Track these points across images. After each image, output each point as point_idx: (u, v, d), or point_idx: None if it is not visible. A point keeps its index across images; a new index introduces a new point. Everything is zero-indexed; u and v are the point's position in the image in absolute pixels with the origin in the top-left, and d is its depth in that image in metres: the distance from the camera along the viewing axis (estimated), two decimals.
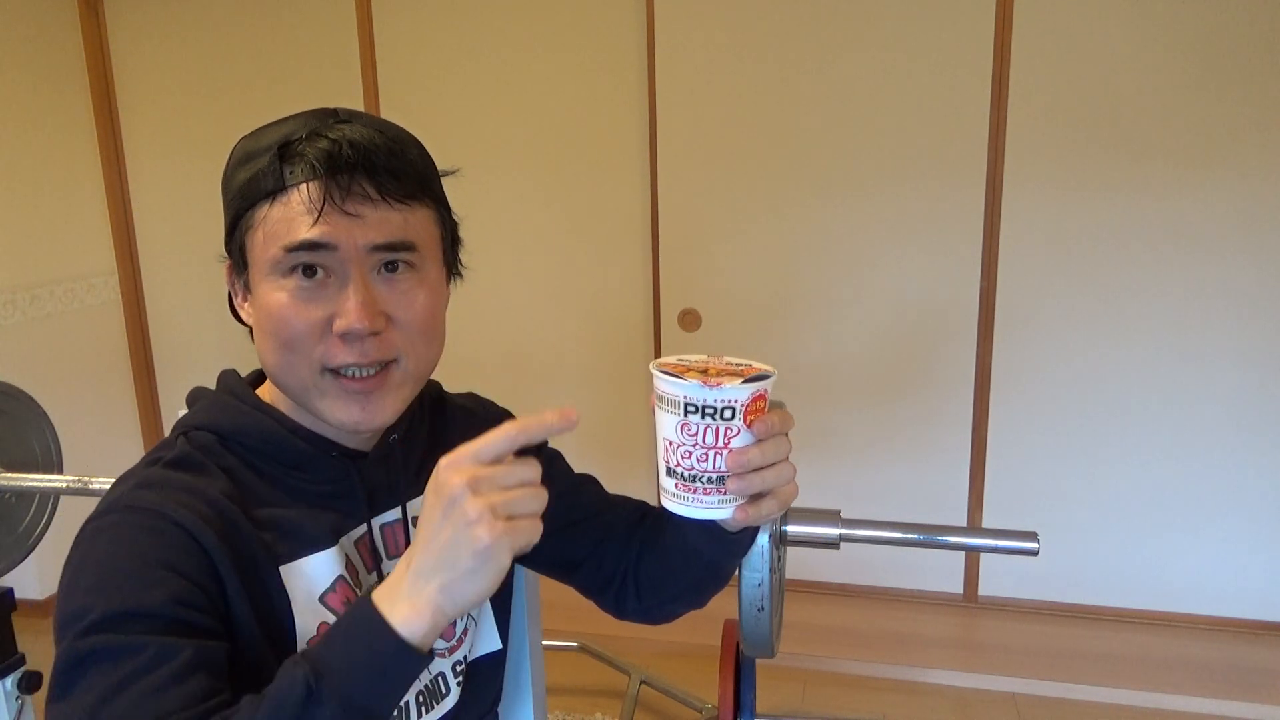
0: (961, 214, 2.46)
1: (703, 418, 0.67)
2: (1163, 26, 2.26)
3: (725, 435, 0.68)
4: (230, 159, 0.77)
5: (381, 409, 0.75)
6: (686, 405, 0.67)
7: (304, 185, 0.71)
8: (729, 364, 0.71)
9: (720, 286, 2.66)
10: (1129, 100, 2.31)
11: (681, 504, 0.71)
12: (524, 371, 2.88)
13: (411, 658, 0.60)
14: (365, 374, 0.74)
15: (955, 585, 2.69)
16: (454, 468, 0.60)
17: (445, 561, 0.59)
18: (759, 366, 0.71)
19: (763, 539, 0.95)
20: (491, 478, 0.59)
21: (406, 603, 0.60)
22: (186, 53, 2.91)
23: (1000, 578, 2.64)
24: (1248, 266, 2.32)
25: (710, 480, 0.69)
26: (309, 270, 0.72)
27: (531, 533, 0.60)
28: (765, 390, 0.68)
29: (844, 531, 1.06)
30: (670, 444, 0.70)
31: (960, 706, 2.29)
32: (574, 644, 2.48)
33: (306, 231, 0.70)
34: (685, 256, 2.67)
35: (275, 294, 0.72)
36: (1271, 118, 2.24)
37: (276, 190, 0.72)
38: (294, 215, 0.71)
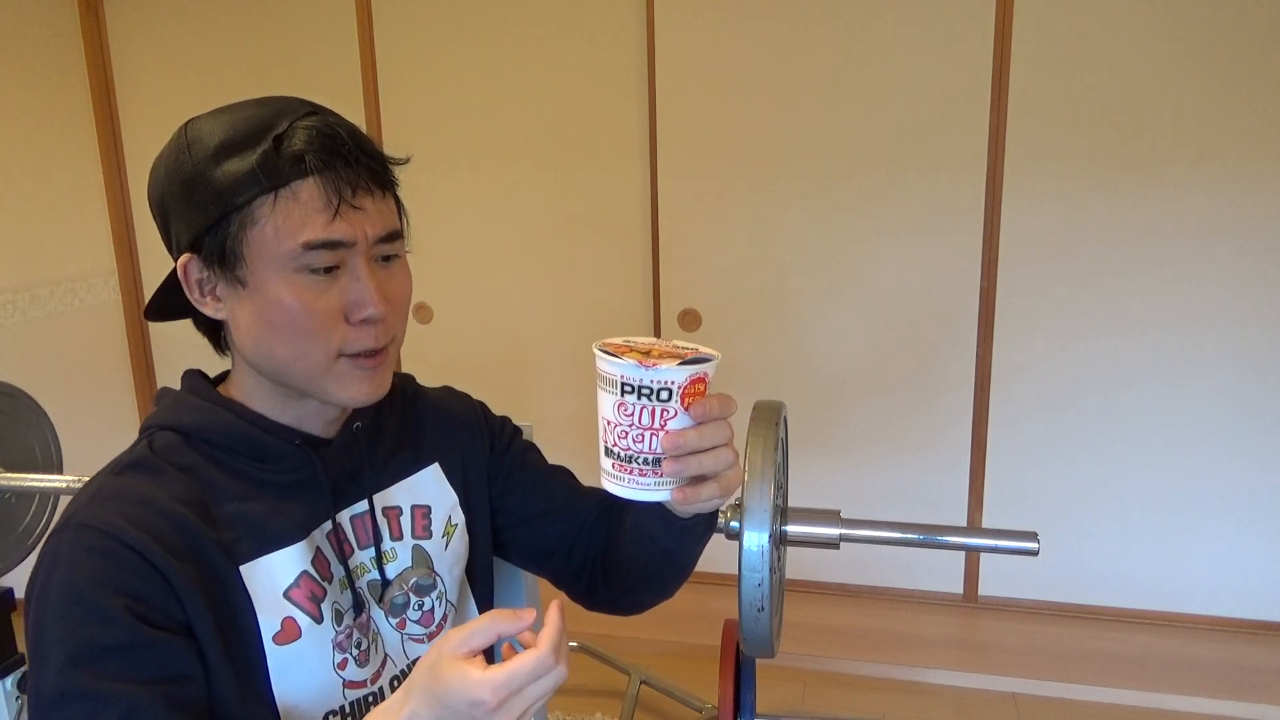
0: (962, 213, 2.46)
1: (639, 398, 0.67)
2: (1162, 25, 2.26)
3: (661, 417, 0.68)
4: (190, 151, 0.74)
5: (384, 383, 0.80)
6: (623, 385, 0.67)
7: (310, 179, 0.72)
8: (675, 347, 0.71)
9: (720, 286, 2.66)
10: (1129, 99, 2.31)
11: (618, 484, 0.71)
12: (523, 371, 2.88)
13: None
14: (373, 353, 0.78)
15: (955, 585, 2.69)
16: (492, 689, 0.61)
17: None
18: (704, 351, 0.70)
19: (763, 539, 0.95)
20: (523, 699, 0.62)
21: None
22: (186, 53, 2.91)
23: (1000, 578, 2.64)
24: (1249, 265, 2.32)
25: (646, 461, 0.69)
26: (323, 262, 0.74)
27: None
28: (705, 374, 0.68)
29: (844, 531, 1.05)
30: (608, 423, 0.70)
31: (960, 706, 2.29)
32: (574, 644, 2.48)
33: (325, 228, 0.72)
34: (685, 256, 2.67)
35: (289, 287, 0.73)
36: (1272, 116, 2.24)
37: (278, 185, 0.72)
38: (306, 210, 0.72)
